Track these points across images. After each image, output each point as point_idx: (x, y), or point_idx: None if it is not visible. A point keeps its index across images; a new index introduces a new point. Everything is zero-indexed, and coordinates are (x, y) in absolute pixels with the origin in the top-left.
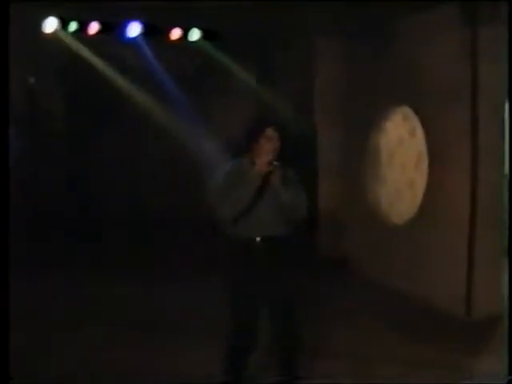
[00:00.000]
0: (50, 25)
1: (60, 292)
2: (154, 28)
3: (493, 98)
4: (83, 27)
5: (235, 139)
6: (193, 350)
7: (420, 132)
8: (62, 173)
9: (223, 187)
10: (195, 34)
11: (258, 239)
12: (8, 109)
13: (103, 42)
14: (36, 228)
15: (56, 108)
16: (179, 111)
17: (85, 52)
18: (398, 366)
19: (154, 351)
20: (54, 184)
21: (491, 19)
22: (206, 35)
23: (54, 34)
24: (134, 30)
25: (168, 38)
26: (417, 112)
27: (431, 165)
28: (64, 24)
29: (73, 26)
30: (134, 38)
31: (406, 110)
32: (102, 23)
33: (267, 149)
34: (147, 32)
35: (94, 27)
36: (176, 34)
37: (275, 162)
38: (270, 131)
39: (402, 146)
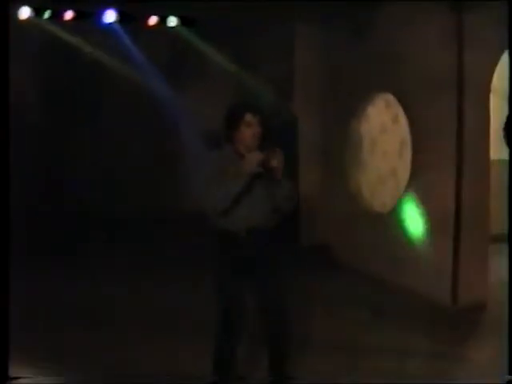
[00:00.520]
0: (24, 12)
1: (56, 292)
2: (131, 14)
3: (478, 85)
4: (58, 15)
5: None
6: (183, 349)
7: (403, 119)
8: (39, 168)
9: (210, 180)
10: (173, 20)
11: (244, 231)
12: (8, 109)
13: (79, 28)
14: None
15: (29, 98)
16: (158, 99)
17: (60, 39)
18: (384, 355)
19: (147, 350)
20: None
21: (477, 4)
22: (184, 21)
23: (28, 21)
24: (110, 16)
25: (145, 23)
26: (400, 99)
27: (415, 153)
28: (38, 12)
29: (47, 13)
30: (110, 25)
31: (389, 97)
32: (77, 11)
33: (247, 135)
34: (123, 18)
35: (69, 14)
36: (153, 20)
37: (277, 149)
38: (248, 116)
39: (384, 134)
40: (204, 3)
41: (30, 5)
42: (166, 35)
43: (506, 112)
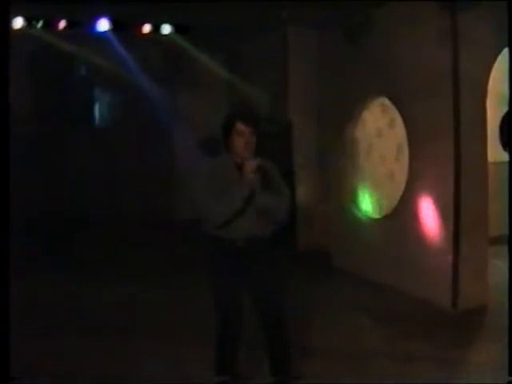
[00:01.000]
0: (18, 22)
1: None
2: (124, 23)
3: (475, 87)
4: (52, 24)
5: (208, 134)
6: (185, 352)
7: (399, 123)
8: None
9: (208, 188)
10: (166, 28)
11: (241, 240)
12: (8, 109)
13: (72, 37)
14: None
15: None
16: (151, 106)
17: (53, 48)
18: (384, 359)
19: (146, 353)
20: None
21: (471, 4)
22: (177, 29)
23: (22, 31)
24: (104, 25)
25: (139, 32)
26: (396, 103)
27: (412, 156)
28: (32, 22)
29: (41, 23)
30: (104, 33)
31: (385, 102)
32: (70, 20)
33: (239, 144)
34: (117, 27)
35: (62, 24)
36: (147, 28)
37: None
38: (240, 125)
39: (381, 138)
40: (197, 11)
41: (23, 15)
42: (159, 43)
43: (502, 114)
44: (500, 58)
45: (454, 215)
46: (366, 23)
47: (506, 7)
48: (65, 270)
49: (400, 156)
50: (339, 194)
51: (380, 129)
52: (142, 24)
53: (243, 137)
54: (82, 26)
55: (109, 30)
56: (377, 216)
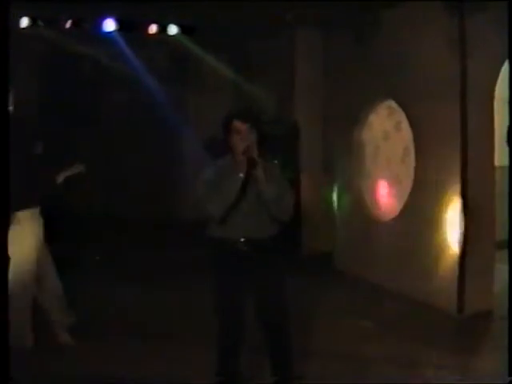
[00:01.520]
0: (24, 22)
1: None
2: (131, 23)
3: (482, 91)
4: (57, 24)
5: (214, 135)
6: (186, 352)
7: (406, 126)
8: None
9: (208, 186)
10: (173, 29)
11: (242, 240)
12: (8, 109)
13: (78, 37)
14: None
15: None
16: (157, 107)
17: (58, 48)
18: (388, 364)
19: (148, 353)
20: None
21: (478, 8)
22: (184, 29)
23: (28, 30)
24: (110, 25)
25: (145, 32)
26: (403, 106)
27: (418, 160)
28: (36, 21)
29: (47, 22)
30: (110, 33)
31: (392, 104)
32: (76, 20)
33: (236, 142)
34: (123, 27)
35: (68, 24)
36: (153, 28)
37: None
38: (237, 124)
39: (387, 141)
40: (204, 11)
41: (29, 14)
42: (165, 44)
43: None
44: (508, 61)
45: (461, 219)
46: (373, 25)
47: (507, 7)
48: (65, 271)
49: (406, 159)
50: (345, 197)
51: (386, 131)
52: (149, 24)
53: (240, 134)
54: (88, 26)
55: (115, 30)
56: (382, 219)
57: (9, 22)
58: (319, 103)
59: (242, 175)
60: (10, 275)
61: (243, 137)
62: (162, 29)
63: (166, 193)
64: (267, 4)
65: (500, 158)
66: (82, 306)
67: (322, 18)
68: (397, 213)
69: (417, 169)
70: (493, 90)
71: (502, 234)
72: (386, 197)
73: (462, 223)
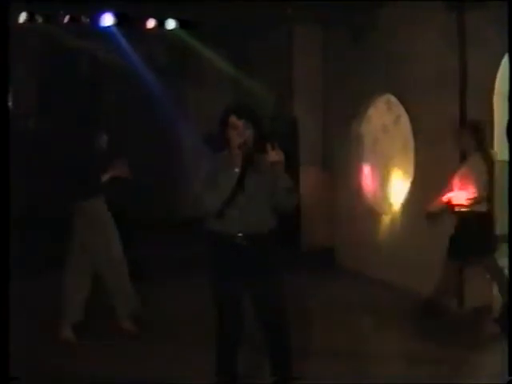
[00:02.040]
0: (22, 17)
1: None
2: (129, 17)
3: (481, 85)
4: (54, 19)
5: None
6: (184, 351)
7: (405, 120)
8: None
9: (205, 181)
10: (171, 23)
11: (240, 234)
12: (7, 108)
13: (75, 32)
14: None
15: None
16: (155, 102)
17: (56, 43)
18: (388, 359)
19: (147, 353)
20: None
21: (478, 3)
22: (182, 24)
23: (26, 25)
24: (108, 19)
25: (143, 26)
26: (401, 100)
27: (417, 153)
28: (36, 16)
29: (45, 17)
30: (108, 28)
31: (391, 98)
32: (74, 15)
33: (232, 137)
34: (121, 21)
35: (65, 19)
36: (151, 23)
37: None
38: (233, 119)
39: (386, 135)
40: (202, 6)
41: (26, 9)
42: (164, 38)
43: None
44: (507, 56)
45: None
46: (372, 20)
47: (507, 7)
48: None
49: (406, 153)
50: (344, 191)
51: (385, 125)
52: (147, 19)
53: (237, 130)
54: (86, 21)
55: (113, 25)
56: (382, 213)
57: (8, 22)
58: (318, 98)
59: (237, 170)
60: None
61: (239, 132)
62: (160, 23)
63: (165, 189)
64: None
65: (500, 152)
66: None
67: (320, 14)
68: (397, 207)
69: (416, 163)
70: (492, 84)
71: (503, 228)
72: (386, 191)
73: None
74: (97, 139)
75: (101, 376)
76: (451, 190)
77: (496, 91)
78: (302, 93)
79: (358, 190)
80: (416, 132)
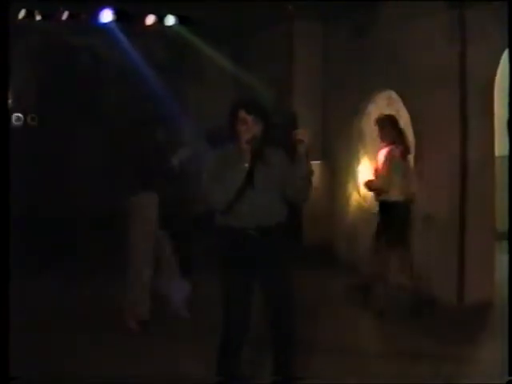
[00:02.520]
0: (21, 13)
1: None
2: (128, 14)
3: (481, 81)
4: (54, 15)
5: (214, 126)
6: (186, 349)
7: (405, 116)
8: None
9: (210, 177)
10: (170, 19)
11: (252, 229)
12: (7, 108)
13: (74, 29)
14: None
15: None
16: (155, 98)
17: (55, 40)
18: (388, 356)
19: (149, 350)
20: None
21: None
22: (182, 20)
23: (25, 22)
24: (107, 16)
25: (143, 23)
26: (402, 96)
27: (418, 150)
28: (34, 13)
29: (43, 14)
30: (107, 24)
31: (391, 94)
32: (72, 11)
33: (241, 132)
34: (120, 18)
35: (64, 15)
36: (151, 19)
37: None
38: (242, 113)
39: None
40: (202, 2)
41: (25, 6)
42: (163, 34)
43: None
44: (507, 51)
45: (460, 209)
46: (373, 17)
47: (507, 4)
48: (66, 267)
49: None
50: (345, 187)
51: None
52: (146, 15)
53: (245, 125)
54: (84, 17)
55: (112, 21)
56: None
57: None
58: (319, 94)
59: (246, 165)
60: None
61: (248, 127)
62: (159, 19)
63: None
64: None
65: (500, 147)
66: (80, 304)
67: (321, 10)
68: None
69: (416, 159)
70: (492, 80)
71: (503, 224)
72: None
73: (462, 213)
74: (155, 134)
75: (99, 375)
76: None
77: (496, 87)
78: (302, 89)
79: (358, 184)
80: (416, 128)
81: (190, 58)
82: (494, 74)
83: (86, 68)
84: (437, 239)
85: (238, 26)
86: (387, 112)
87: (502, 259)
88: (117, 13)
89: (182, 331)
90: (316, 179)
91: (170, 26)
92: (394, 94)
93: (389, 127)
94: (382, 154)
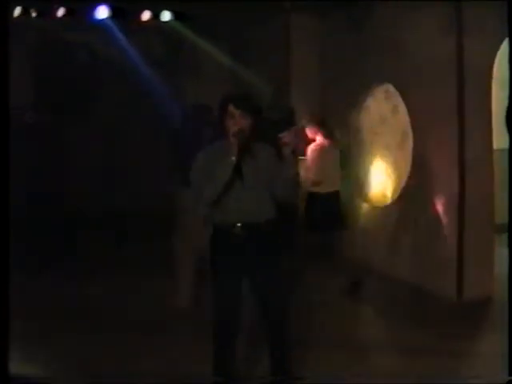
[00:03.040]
0: (16, 11)
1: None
2: (124, 10)
3: (479, 74)
4: (50, 12)
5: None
6: (183, 349)
7: (403, 110)
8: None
9: (200, 172)
10: (166, 15)
11: (239, 225)
12: (8, 108)
13: (71, 25)
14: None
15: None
16: (153, 95)
17: (52, 37)
18: (387, 350)
19: (146, 350)
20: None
21: None
22: (178, 16)
23: (20, 19)
24: (103, 12)
25: (138, 19)
26: (399, 89)
27: (416, 144)
28: (30, 10)
29: (39, 11)
30: (103, 21)
31: (389, 88)
32: (69, 7)
33: (229, 125)
34: (116, 14)
35: (60, 12)
36: (146, 15)
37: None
38: (231, 108)
39: (384, 125)
40: None
41: (20, 3)
42: (159, 30)
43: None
44: (505, 42)
45: (459, 203)
46: (370, 10)
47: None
48: (65, 266)
49: (404, 143)
50: (343, 182)
51: (384, 115)
52: (142, 11)
53: (234, 119)
54: (80, 14)
55: (108, 18)
56: (381, 204)
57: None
58: (316, 88)
59: (234, 158)
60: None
61: (236, 121)
62: (155, 15)
63: (165, 182)
64: None
65: (499, 140)
66: (81, 303)
67: (318, 4)
68: (395, 197)
69: (414, 153)
70: (490, 72)
71: (503, 217)
72: (385, 181)
73: (461, 207)
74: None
75: (99, 375)
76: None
77: (494, 79)
78: (299, 83)
79: (356, 180)
80: (414, 121)
81: (186, 53)
82: (492, 65)
83: (82, 64)
84: (435, 234)
85: (234, 21)
86: (386, 105)
87: (501, 253)
88: (113, 9)
89: (182, 331)
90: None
91: (167, 22)
92: (391, 88)
93: (325, 125)
94: (310, 148)
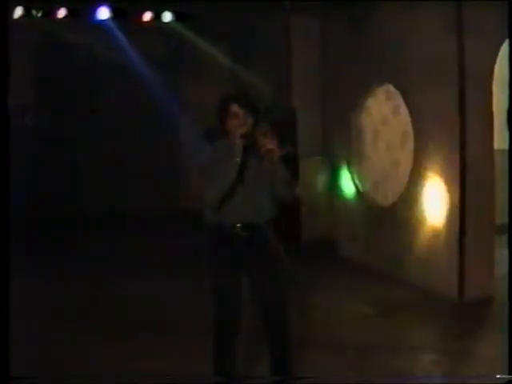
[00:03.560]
0: (17, 11)
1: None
2: (125, 11)
3: (480, 74)
4: (51, 13)
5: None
6: (183, 349)
7: (404, 110)
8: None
9: (203, 173)
10: (167, 16)
11: (239, 225)
12: (7, 108)
13: (72, 26)
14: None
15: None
16: (154, 96)
17: (53, 37)
18: (388, 350)
19: (146, 350)
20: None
21: None
22: (179, 16)
23: (22, 20)
24: (104, 13)
25: (139, 20)
26: (400, 90)
27: (417, 144)
28: (31, 10)
29: (40, 12)
30: (104, 21)
31: (390, 89)
32: (70, 8)
33: (233, 126)
34: (117, 15)
35: (61, 13)
36: (147, 16)
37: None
38: (234, 107)
39: (386, 126)
40: None
41: (22, 4)
42: (160, 31)
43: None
44: (506, 42)
45: (460, 203)
46: (371, 10)
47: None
48: (65, 265)
49: (405, 144)
50: (344, 182)
51: (385, 116)
52: (143, 12)
53: (238, 119)
54: (81, 15)
55: (109, 19)
56: (382, 204)
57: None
58: (317, 89)
59: (238, 159)
60: None
61: (241, 121)
62: (156, 16)
63: (165, 181)
64: None
65: (499, 141)
66: (80, 302)
67: (319, 4)
68: (396, 198)
69: (415, 153)
70: (491, 72)
71: (503, 217)
72: (386, 182)
73: (462, 207)
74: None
75: (99, 375)
76: None
77: (495, 80)
78: (300, 83)
79: (357, 181)
80: (415, 121)
81: (187, 54)
82: (493, 66)
83: (83, 65)
84: (437, 234)
85: (235, 21)
86: (386, 105)
87: (502, 254)
88: (114, 10)
89: (182, 331)
90: (316, 174)
91: (167, 23)
92: (392, 88)
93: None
94: None
